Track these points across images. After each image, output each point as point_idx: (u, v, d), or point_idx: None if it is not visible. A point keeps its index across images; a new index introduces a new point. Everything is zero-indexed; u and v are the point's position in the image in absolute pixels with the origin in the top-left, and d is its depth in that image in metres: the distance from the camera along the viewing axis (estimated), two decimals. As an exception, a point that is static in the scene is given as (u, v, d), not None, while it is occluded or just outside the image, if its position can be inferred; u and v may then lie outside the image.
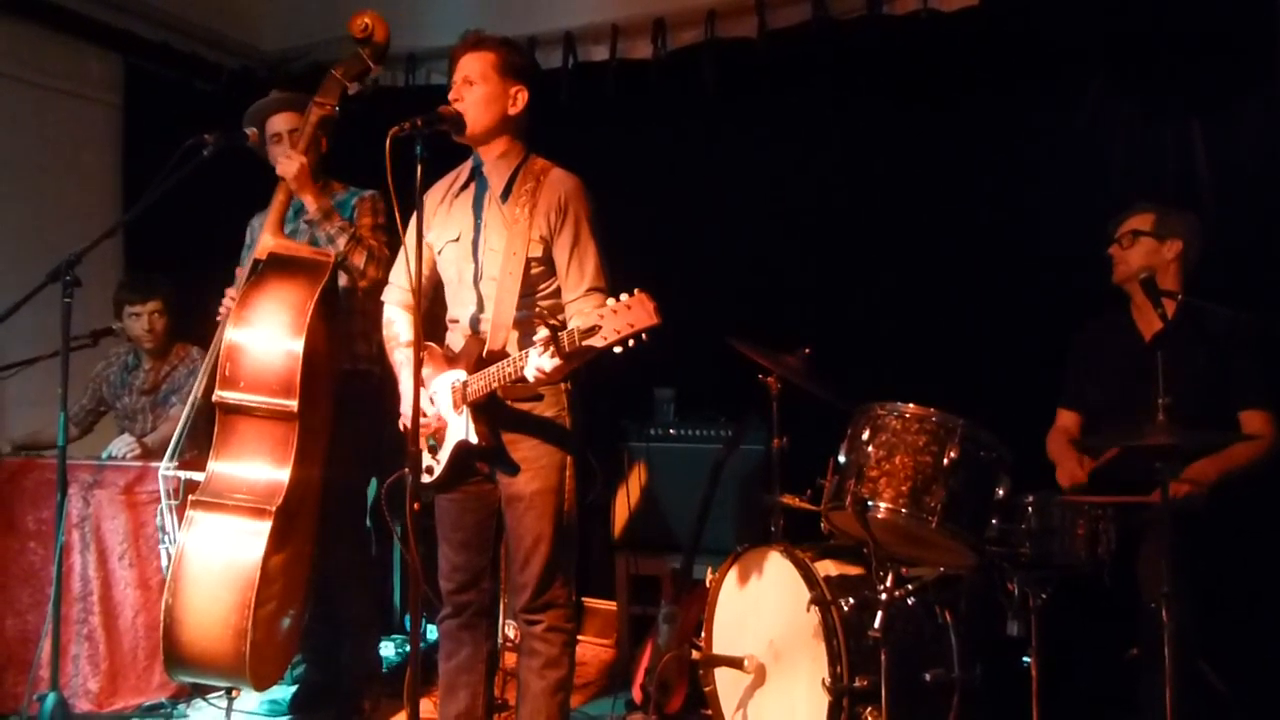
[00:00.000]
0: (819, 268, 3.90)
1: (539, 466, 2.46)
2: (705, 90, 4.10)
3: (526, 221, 2.43)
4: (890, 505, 2.42)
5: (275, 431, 2.81)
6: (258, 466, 2.82)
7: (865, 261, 3.84)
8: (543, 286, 2.48)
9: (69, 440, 3.05)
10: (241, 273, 3.20)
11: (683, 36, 4.25)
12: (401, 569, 4.18)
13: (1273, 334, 2.80)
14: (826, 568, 2.72)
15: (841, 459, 2.58)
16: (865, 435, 2.53)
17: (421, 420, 2.29)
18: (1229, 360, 2.74)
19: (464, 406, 2.43)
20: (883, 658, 2.44)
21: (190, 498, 2.80)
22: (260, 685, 2.85)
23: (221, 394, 2.82)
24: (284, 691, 3.34)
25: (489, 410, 2.43)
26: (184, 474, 2.98)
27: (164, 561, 2.91)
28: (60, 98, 4.55)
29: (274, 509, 2.75)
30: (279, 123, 3.26)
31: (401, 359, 2.62)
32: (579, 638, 4.06)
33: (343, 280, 3.16)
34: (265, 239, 3.04)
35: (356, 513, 3.39)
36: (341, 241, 3.04)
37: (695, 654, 2.97)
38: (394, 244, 2.97)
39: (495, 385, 2.35)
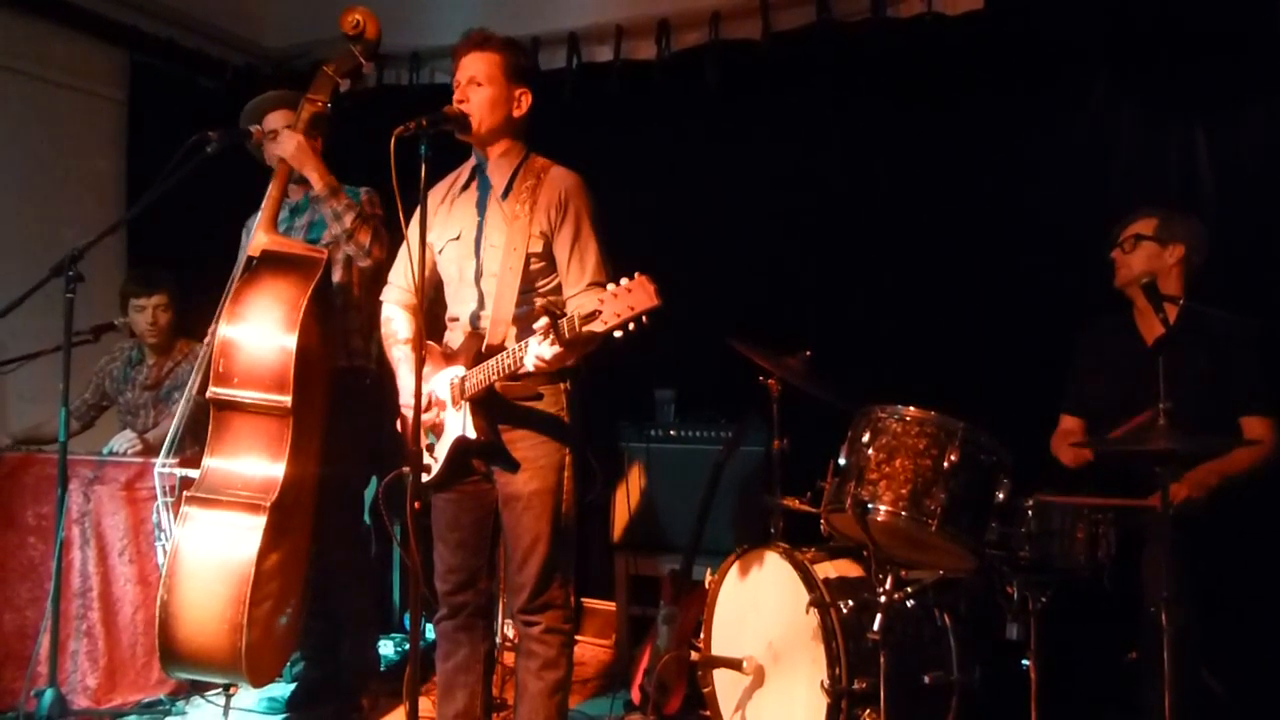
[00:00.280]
0: (820, 269, 3.90)
1: (537, 466, 2.46)
2: (709, 91, 4.10)
3: (527, 218, 2.44)
4: (890, 508, 2.42)
5: (269, 427, 2.82)
6: (252, 462, 2.82)
7: (867, 263, 3.84)
8: (542, 282, 2.49)
9: (70, 434, 3.06)
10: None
11: (687, 38, 4.25)
12: (401, 567, 4.18)
13: (1274, 339, 2.80)
14: (826, 570, 2.71)
15: (842, 461, 2.58)
16: (865, 438, 2.52)
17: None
18: (1230, 365, 2.74)
19: (463, 402, 2.43)
20: (882, 660, 2.44)
21: (185, 494, 2.80)
22: (257, 682, 2.85)
23: (215, 390, 2.82)
24: (282, 689, 3.34)
25: (488, 406, 2.43)
26: (180, 471, 2.98)
27: (160, 558, 2.91)
28: (65, 93, 4.55)
29: (269, 504, 2.75)
30: (274, 120, 3.26)
31: (400, 355, 2.63)
32: (578, 638, 4.08)
33: (338, 276, 3.16)
34: (259, 236, 3.04)
35: (354, 509, 3.40)
36: (349, 219, 3.02)
37: (694, 655, 2.97)
38: (393, 239, 2.97)
39: (494, 378, 2.35)
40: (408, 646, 3.67)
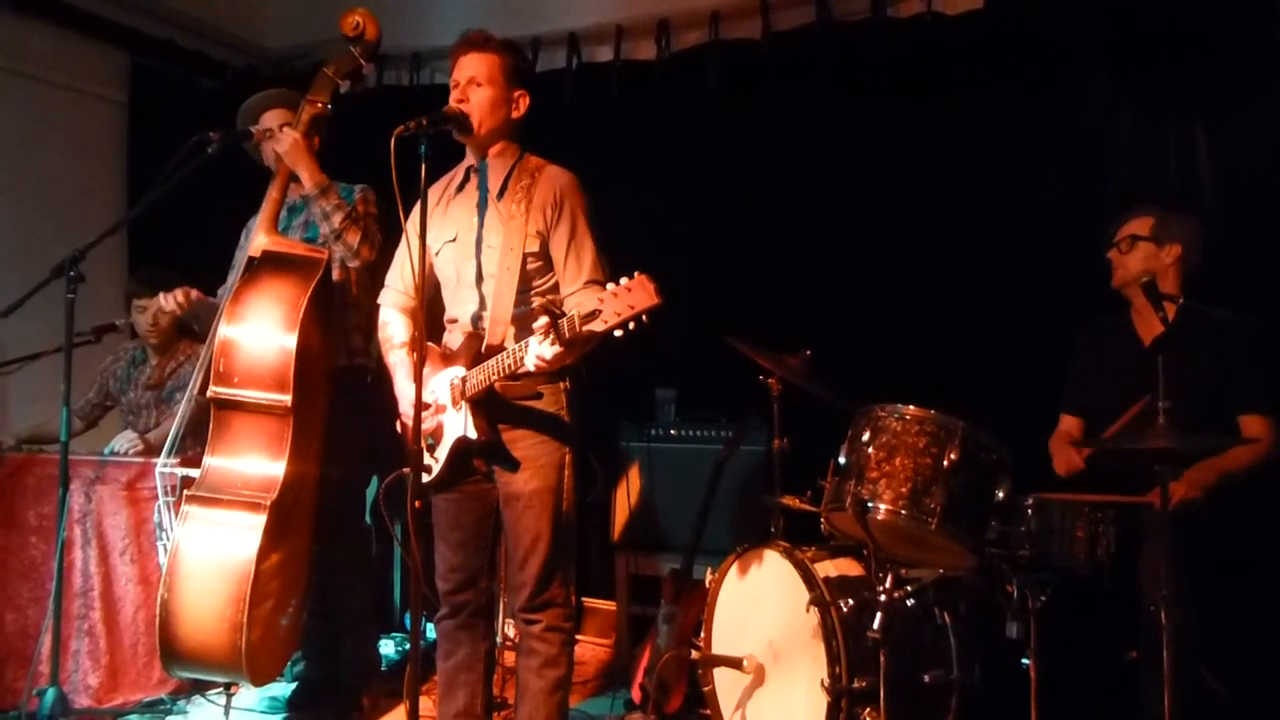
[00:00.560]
0: (821, 269, 3.91)
1: (538, 465, 2.46)
2: (709, 91, 4.11)
3: (523, 217, 2.45)
4: (890, 507, 2.42)
5: (269, 426, 2.82)
6: (253, 461, 2.83)
7: (867, 262, 3.84)
8: (540, 282, 2.49)
9: (73, 434, 3.07)
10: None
11: (687, 38, 4.25)
12: (402, 566, 4.18)
13: (1273, 337, 2.80)
14: (826, 568, 2.71)
15: (841, 460, 2.58)
16: (865, 436, 2.53)
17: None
18: (1229, 364, 2.74)
19: (463, 403, 2.44)
20: (882, 659, 2.44)
21: (185, 493, 2.80)
22: (258, 680, 2.85)
23: (215, 389, 2.83)
24: (283, 688, 3.35)
25: (488, 406, 2.44)
26: (181, 471, 2.99)
27: (161, 558, 2.91)
28: (65, 94, 4.56)
29: (269, 503, 2.75)
30: (270, 119, 3.26)
31: (397, 360, 2.63)
32: (579, 637, 4.08)
33: (337, 275, 3.17)
34: (259, 237, 3.05)
35: (355, 509, 3.40)
36: (337, 219, 3.04)
37: (694, 654, 2.97)
38: (393, 239, 2.97)
39: (494, 378, 2.35)
40: (409, 646, 3.68)
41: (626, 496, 3.84)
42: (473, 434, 2.41)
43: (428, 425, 2.46)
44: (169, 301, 3.25)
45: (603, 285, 2.35)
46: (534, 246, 2.46)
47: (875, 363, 3.62)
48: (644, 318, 2.03)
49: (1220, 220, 3.27)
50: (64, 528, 2.93)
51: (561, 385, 2.48)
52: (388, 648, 3.93)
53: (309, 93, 3.12)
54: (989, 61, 3.65)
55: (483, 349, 2.43)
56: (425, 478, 2.48)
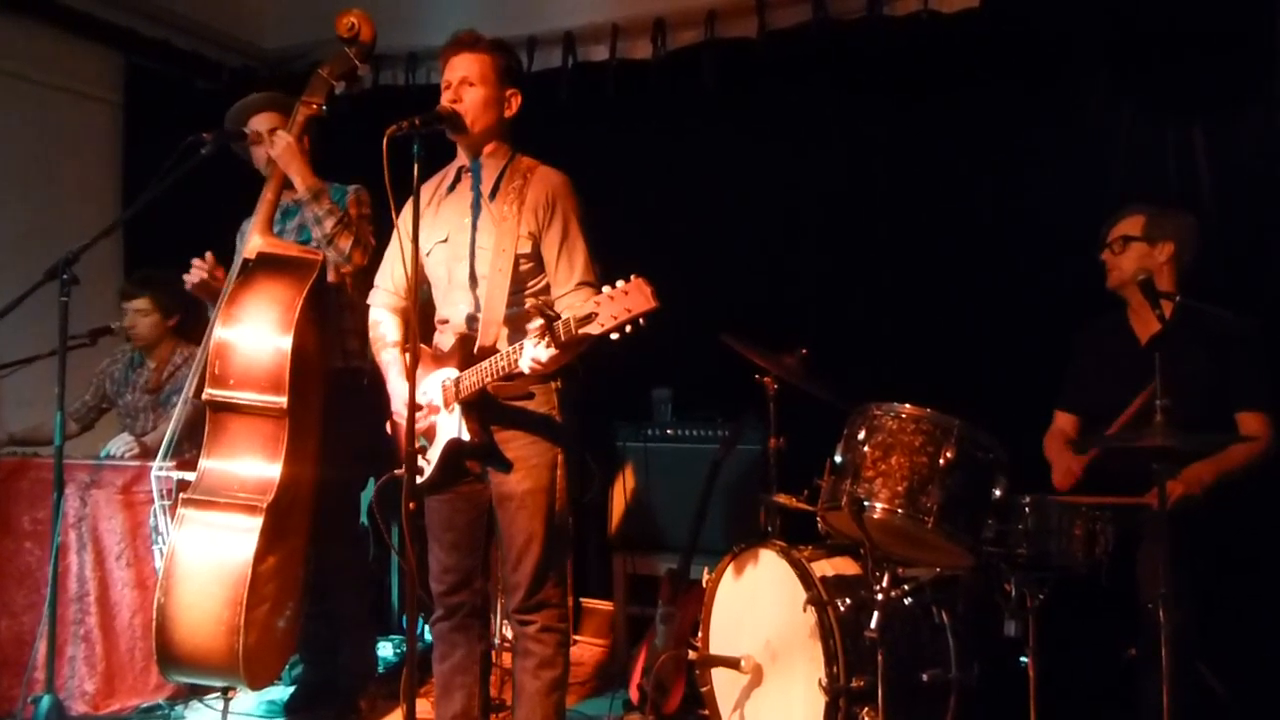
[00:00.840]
0: (817, 268, 3.90)
1: (530, 465, 2.45)
2: (705, 90, 4.10)
3: (515, 218, 2.44)
4: (886, 505, 2.41)
5: (265, 429, 2.82)
6: (249, 463, 2.82)
7: (864, 262, 3.83)
8: (532, 283, 2.48)
9: (68, 436, 3.05)
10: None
11: (683, 36, 4.25)
12: (399, 568, 4.17)
13: (1270, 335, 2.79)
14: (823, 568, 2.71)
15: (838, 459, 2.57)
16: (861, 435, 2.52)
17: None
18: (1226, 362, 2.73)
19: (455, 404, 2.43)
20: (879, 658, 2.43)
21: (181, 496, 2.80)
22: (255, 684, 2.85)
23: (211, 392, 2.82)
24: (281, 691, 3.34)
25: (480, 408, 2.43)
26: (176, 474, 2.98)
27: (158, 562, 2.91)
28: (60, 95, 4.55)
29: (265, 505, 2.75)
30: (259, 123, 3.26)
31: (389, 359, 2.62)
32: (576, 638, 4.08)
33: (333, 277, 3.16)
34: (254, 239, 3.04)
35: (351, 511, 3.39)
36: (329, 224, 3.03)
37: (692, 654, 2.96)
38: (386, 239, 2.97)
39: (488, 380, 2.35)
40: (406, 648, 3.67)
41: (623, 496, 3.83)
42: (466, 436, 2.40)
43: (420, 426, 2.45)
44: (195, 275, 3.20)
45: (594, 287, 2.35)
46: (526, 248, 2.45)
47: (872, 362, 3.62)
48: (641, 321, 2.02)
49: (1218, 219, 3.27)
50: (59, 532, 2.93)
51: (553, 385, 2.48)
52: (385, 650, 3.92)
53: (304, 94, 3.11)
54: (985, 60, 3.65)
55: (475, 350, 2.42)
56: (417, 479, 2.47)
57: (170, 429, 3.12)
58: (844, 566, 2.78)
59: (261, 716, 3.30)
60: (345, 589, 3.31)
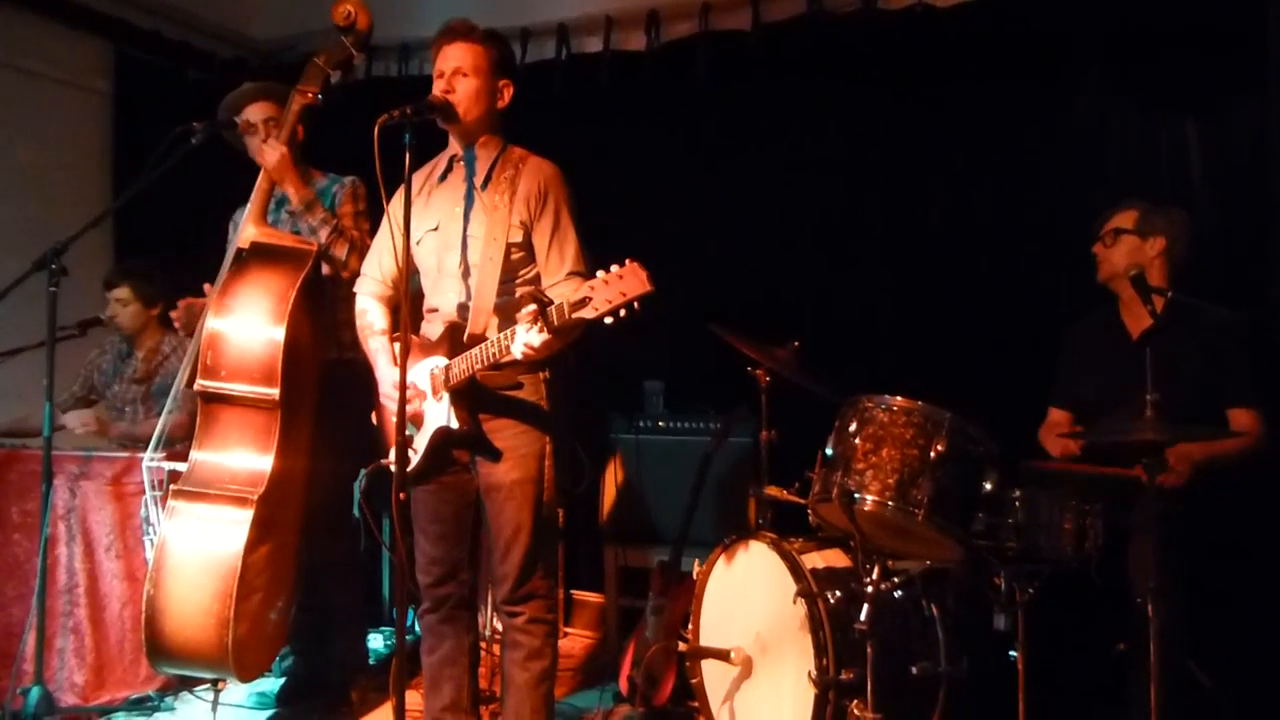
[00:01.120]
0: (810, 261, 3.90)
1: (518, 455, 2.45)
2: (699, 83, 4.09)
3: (506, 208, 2.44)
4: (877, 498, 2.41)
5: (257, 420, 2.81)
6: (240, 455, 2.81)
7: (857, 255, 3.83)
8: (523, 272, 2.48)
9: (56, 428, 3.04)
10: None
11: (676, 28, 4.23)
12: (390, 559, 4.17)
13: (1262, 331, 2.80)
14: (813, 560, 2.71)
15: (829, 451, 2.58)
16: (852, 428, 2.52)
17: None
18: (1218, 357, 2.74)
19: (444, 392, 2.42)
20: (869, 650, 2.43)
21: (172, 487, 2.79)
22: (245, 676, 2.84)
23: (203, 383, 2.81)
24: (271, 683, 3.33)
25: (469, 396, 2.43)
26: (168, 465, 2.97)
27: (149, 553, 2.90)
28: (49, 85, 4.52)
29: (256, 497, 2.74)
30: (254, 113, 3.25)
31: (377, 346, 2.62)
32: (567, 630, 4.08)
33: (327, 269, 3.15)
34: (248, 229, 3.03)
35: (344, 503, 3.38)
36: (324, 234, 3.04)
37: (682, 646, 2.97)
38: (374, 227, 2.96)
39: (478, 367, 2.34)
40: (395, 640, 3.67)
41: (614, 488, 3.83)
42: (454, 424, 2.40)
43: (409, 411, 2.44)
44: (175, 322, 3.29)
45: (584, 277, 2.34)
46: (517, 237, 2.45)
47: (864, 355, 3.62)
48: (635, 305, 2.01)
49: (1211, 215, 3.27)
50: (48, 524, 2.91)
51: (541, 376, 2.47)
52: (376, 642, 3.92)
53: (299, 83, 3.08)
54: (980, 54, 3.64)
55: (464, 338, 2.41)
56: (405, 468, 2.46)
57: (162, 419, 3.10)
58: (834, 559, 2.78)
59: (252, 708, 3.30)
60: (337, 582, 3.30)
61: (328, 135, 3.28)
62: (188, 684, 3.26)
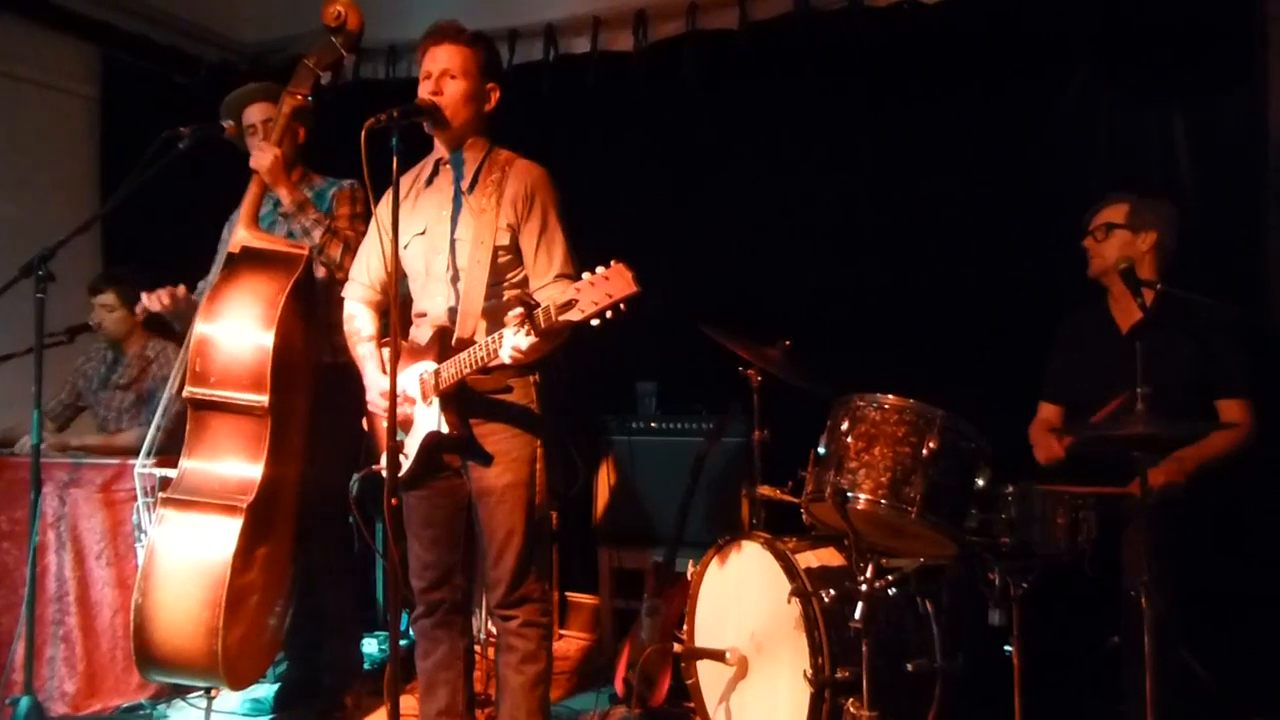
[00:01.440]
0: (801, 260, 3.90)
1: (509, 459, 2.44)
2: (687, 82, 4.09)
3: (493, 211, 2.43)
4: (870, 496, 2.41)
5: (247, 427, 2.78)
6: (229, 463, 2.79)
7: (847, 253, 3.83)
8: (510, 275, 2.47)
9: (44, 436, 3.01)
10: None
11: (664, 28, 4.23)
12: (383, 564, 4.15)
13: (1251, 324, 2.81)
14: (807, 559, 2.71)
15: (821, 450, 2.58)
16: (845, 426, 2.52)
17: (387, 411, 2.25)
18: (1207, 349, 2.75)
19: (434, 397, 2.42)
20: (864, 649, 2.43)
21: (161, 495, 2.77)
22: (236, 684, 2.82)
23: (191, 389, 2.79)
24: (265, 689, 3.32)
25: (459, 400, 2.42)
26: (159, 471, 2.95)
27: (140, 560, 2.88)
28: (35, 90, 4.49)
29: (245, 505, 2.71)
30: (254, 114, 3.23)
31: (365, 352, 2.61)
32: (562, 632, 4.07)
33: (320, 272, 3.13)
34: (239, 232, 3.01)
35: (338, 508, 3.35)
36: (317, 234, 3.02)
37: (677, 647, 2.96)
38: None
39: (466, 371, 2.33)
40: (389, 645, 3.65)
41: (608, 490, 3.83)
42: (444, 429, 2.39)
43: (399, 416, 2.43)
44: (154, 302, 3.20)
45: (572, 279, 2.33)
46: (505, 240, 2.44)
47: (856, 353, 3.61)
48: (622, 306, 2.00)
49: (1199, 208, 3.28)
50: (37, 532, 2.89)
51: (531, 379, 2.47)
52: (370, 646, 3.90)
53: (289, 85, 3.06)
54: (968, 50, 3.65)
55: (452, 342, 2.41)
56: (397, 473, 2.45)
57: (154, 425, 3.09)
58: (828, 558, 2.78)
59: (245, 715, 3.28)
60: (332, 588, 3.27)
61: (315, 138, 3.27)
62: (180, 692, 3.25)
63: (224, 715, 3.23)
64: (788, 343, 3.00)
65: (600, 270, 2.02)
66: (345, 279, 2.93)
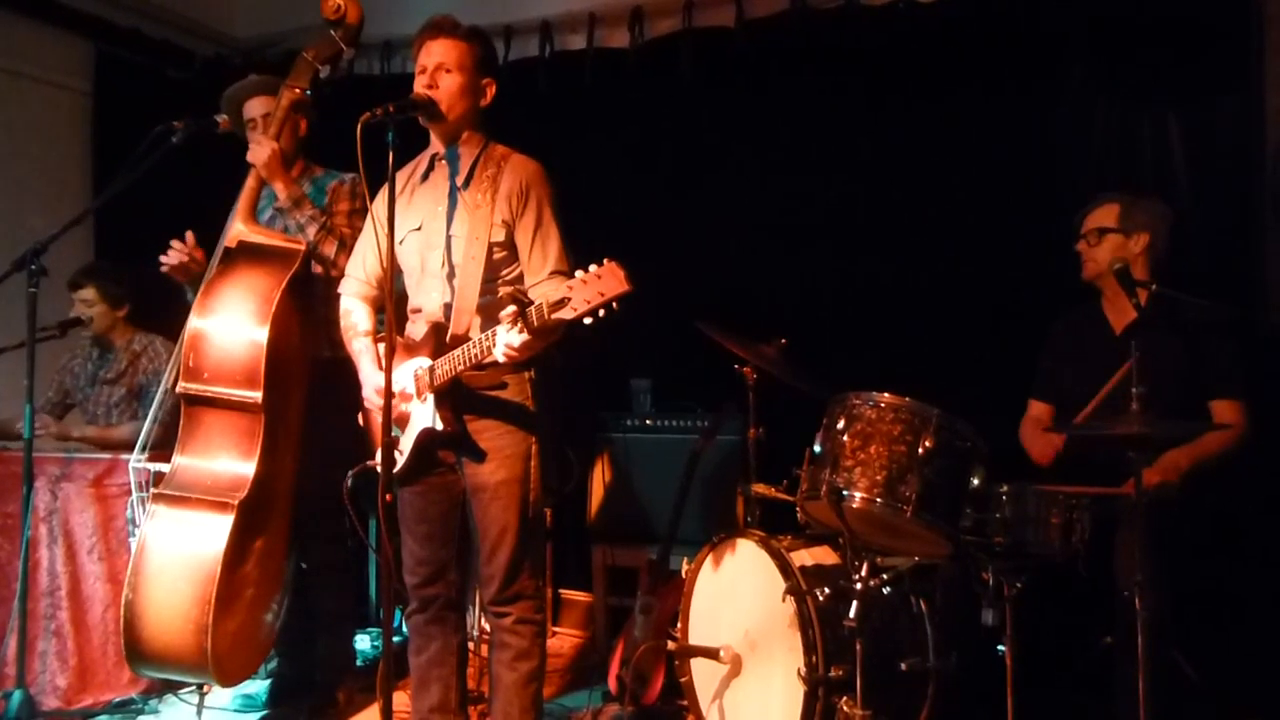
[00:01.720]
0: (796, 257, 3.89)
1: (504, 456, 2.44)
2: (683, 79, 4.09)
3: (489, 206, 2.42)
4: (865, 495, 2.41)
5: (239, 424, 2.77)
6: (222, 460, 2.77)
7: (843, 251, 3.83)
8: (505, 271, 2.47)
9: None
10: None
11: (660, 25, 4.23)
12: (376, 560, 4.14)
13: (1245, 324, 2.82)
14: (802, 557, 2.71)
15: (817, 449, 2.57)
16: (840, 425, 2.51)
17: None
18: (1201, 350, 2.75)
19: (428, 393, 2.41)
20: (858, 647, 2.43)
21: (153, 491, 2.76)
22: (226, 681, 2.81)
23: (185, 385, 2.77)
24: (257, 685, 3.31)
25: (453, 396, 2.41)
26: (154, 466, 2.94)
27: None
28: (28, 83, 4.47)
29: (236, 503, 2.70)
30: (254, 107, 3.21)
31: (361, 348, 2.60)
32: (555, 629, 4.07)
33: (318, 267, 3.12)
34: (236, 226, 2.99)
35: (335, 506, 3.34)
36: (311, 231, 3.00)
37: (671, 644, 2.96)
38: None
39: (461, 367, 2.33)
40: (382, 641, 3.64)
41: (602, 487, 3.82)
42: (439, 425, 2.39)
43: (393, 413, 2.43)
44: (173, 256, 3.14)
45: (567, 275, 2.33)
46: (500, 236, 2.43)
47: (851, 352, 3.62)
48: (614, 305, 2.00)
49: (1194, 208, 3.29)
50: (29, 526, 2.88)
51: (526, 375, 2.46)
52: (363, 643, 3.89)
53: (288, 79, 3.05)
54: (963, 48, 3.65)
55: (447, 339, 2.40)
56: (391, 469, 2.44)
57: (149, 419, 3.07)
58: (823, 556, 2.78)
59: (237, 711, 3.27)
60: (326, 585, 3.26)
61: (312, 133, 3.26)
62: (172, 687, 3.23)
63: (216, 711, 3.22)
64: (783, 341, 3.00)
65: (593, 268, 2.02)
66: (340, 276, 2.92)
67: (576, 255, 2.46)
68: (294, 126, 3.13)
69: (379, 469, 2.16)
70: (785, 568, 2.62)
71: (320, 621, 3.28)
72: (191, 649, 2.64)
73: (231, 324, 2.80)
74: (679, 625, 2.95)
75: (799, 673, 2.51)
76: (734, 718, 2.77)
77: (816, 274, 3.85)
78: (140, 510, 2.93)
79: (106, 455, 3.28)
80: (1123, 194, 2.94)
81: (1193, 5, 3.35)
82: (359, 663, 3.57)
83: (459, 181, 2.49)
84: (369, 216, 2.47)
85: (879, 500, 2.39)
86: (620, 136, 4.15)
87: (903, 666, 2.56)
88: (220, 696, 3.26)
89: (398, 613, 3.31)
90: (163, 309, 3.59)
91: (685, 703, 2.93)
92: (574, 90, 4.28)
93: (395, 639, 3.12)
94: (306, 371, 3.02)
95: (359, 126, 2.16)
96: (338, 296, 3.14)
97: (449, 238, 2.46)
